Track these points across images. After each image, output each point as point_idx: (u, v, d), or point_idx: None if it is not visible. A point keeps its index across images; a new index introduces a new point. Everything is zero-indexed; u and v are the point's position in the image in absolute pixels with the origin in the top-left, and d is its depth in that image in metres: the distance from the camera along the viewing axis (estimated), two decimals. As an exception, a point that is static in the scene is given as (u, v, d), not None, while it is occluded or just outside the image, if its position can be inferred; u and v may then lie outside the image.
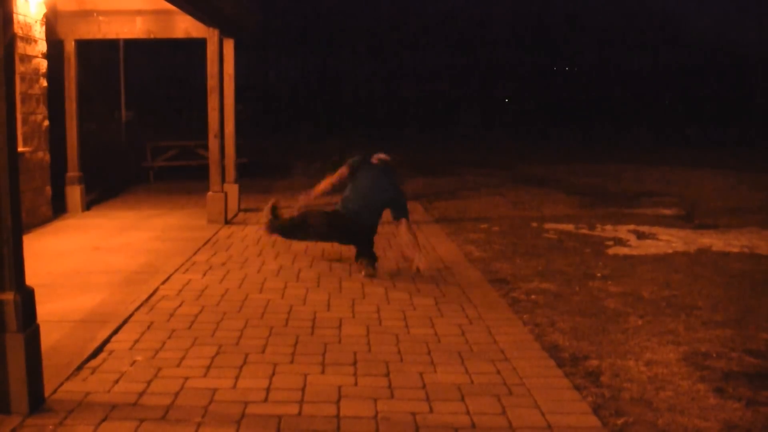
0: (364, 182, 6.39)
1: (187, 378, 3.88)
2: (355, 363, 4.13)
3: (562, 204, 10.80)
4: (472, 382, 3.87)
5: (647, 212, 10.05)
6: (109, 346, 4.37)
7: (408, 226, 6.33)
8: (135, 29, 9.27)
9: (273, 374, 3.94)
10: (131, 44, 14.57)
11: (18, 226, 3.40)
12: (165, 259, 6.79)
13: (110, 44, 13.73)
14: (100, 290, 5.64)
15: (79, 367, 4.00)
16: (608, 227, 8.76)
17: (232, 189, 9.65)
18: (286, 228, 6.54)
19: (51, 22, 8.94)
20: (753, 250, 7.44)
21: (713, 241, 7.91)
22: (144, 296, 5.44)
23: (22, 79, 7.99)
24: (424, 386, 3.80)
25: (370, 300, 5.46)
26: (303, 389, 3.74)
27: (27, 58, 8.12)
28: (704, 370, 4.09)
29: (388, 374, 3.96)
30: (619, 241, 7.89)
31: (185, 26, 9.10)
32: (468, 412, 3.49)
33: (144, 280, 5.95)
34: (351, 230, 6.34)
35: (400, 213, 6.34)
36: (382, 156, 6.66)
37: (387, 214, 6.49)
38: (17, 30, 7.75)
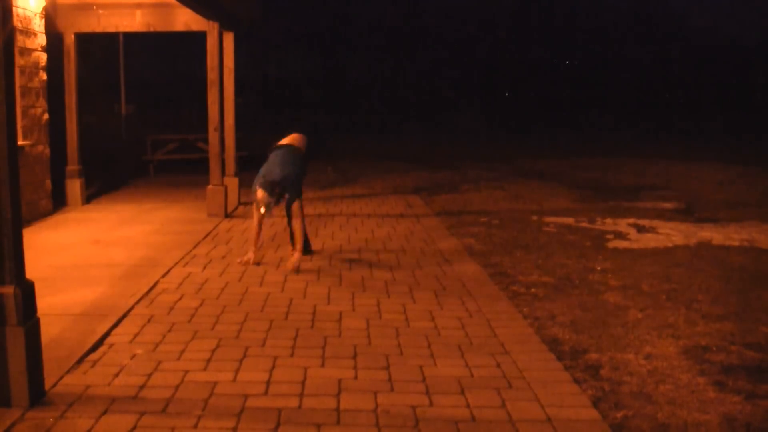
0: (271, 161, 6.41)
1: (187, 371, 3.89)
2: (355, 356, 4.14)
3: (563, 198, 10.79)
4: (472, 375, 3.88)
5: (647, 206, 10.04)
6: (109, 340, 4.38)
7: (299, 212, 6.26)
8: (135, 22, 9.26)
9: (273, 367, 3.95)
10: (131, 37, 14.52)
11: (18, 219, 3.40)
12: (165, 252, 6.80)
13: (110, 37, 13.69)
14: (100, 283, 5.65)
15: (80, 361, 4.01)
16: (608, 221, 8.76)
17: (232, 182, 9.66)
18: None
19: (50, 15, 8.92)
20: (753, 244, 7.44)
21: (713, 234, 7.91)
22: (144, 289, 5.45)
23: (22, 72, 7.98)
24: (424, 379, 3.81)
25: (370, 293, 5.47)
26: (303, 382, 3.75)
27: (26, 52, 8.10)
28: (704, 363, 4.09)
29: (388, 367, 3.97)
30: (619, 235, 7.89)
31: (185, 19, 9.09)
32: (468, 406, 3.49)
33: (144, 274, 5.96)
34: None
35: (291, 194, 6.19)
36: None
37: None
38: (17, 23, 7.73)
